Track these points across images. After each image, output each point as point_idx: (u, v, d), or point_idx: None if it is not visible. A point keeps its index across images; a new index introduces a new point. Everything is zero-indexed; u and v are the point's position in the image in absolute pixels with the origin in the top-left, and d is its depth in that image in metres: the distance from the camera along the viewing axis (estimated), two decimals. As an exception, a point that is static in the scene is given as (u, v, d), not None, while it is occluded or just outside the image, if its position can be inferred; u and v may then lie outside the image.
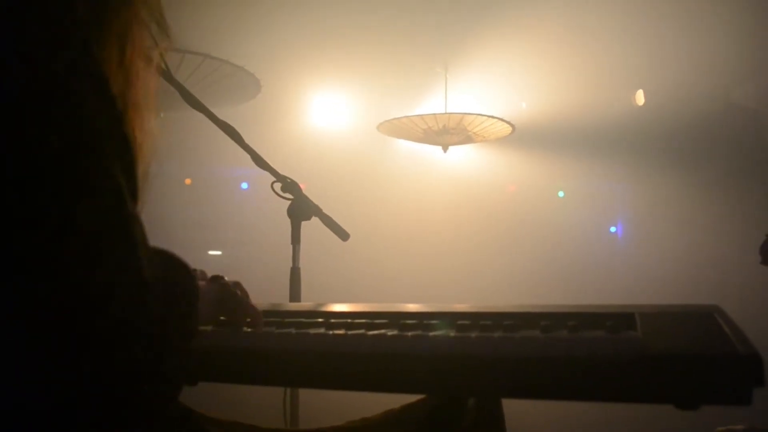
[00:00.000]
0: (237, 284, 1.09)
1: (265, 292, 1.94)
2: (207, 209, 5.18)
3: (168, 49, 0.87)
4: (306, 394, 1.88)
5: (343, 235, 1.95)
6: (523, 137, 4.64)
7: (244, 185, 5.41)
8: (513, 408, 1.14)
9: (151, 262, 0.68)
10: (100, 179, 0.64)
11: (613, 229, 5.62)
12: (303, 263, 1.98)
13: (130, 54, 0.76)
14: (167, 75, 1.71)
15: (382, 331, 0.97)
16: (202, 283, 1.02)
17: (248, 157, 1.84)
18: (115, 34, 0.74)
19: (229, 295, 1.04)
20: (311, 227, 1.98)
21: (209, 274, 1.10)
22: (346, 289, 4.30)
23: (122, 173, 0.67)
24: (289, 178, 1.89)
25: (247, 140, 1.84)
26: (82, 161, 0.62)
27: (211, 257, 5.29)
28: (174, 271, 0.81)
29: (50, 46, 0.64)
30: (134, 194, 0.71)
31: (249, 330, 1.05)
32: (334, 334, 0.96)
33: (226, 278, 1.07)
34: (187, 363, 0.76)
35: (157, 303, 0.67)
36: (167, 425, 1.05)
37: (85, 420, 0.62)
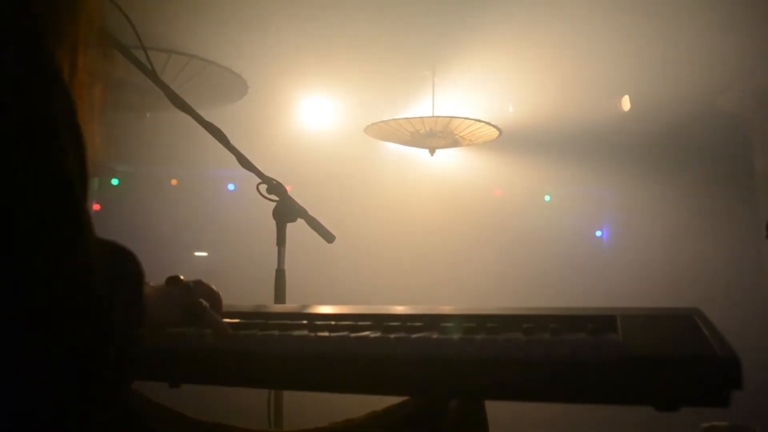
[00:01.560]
0: (198, 283, 1.06)
1: (250, 293, 1.94)
2: (193, 210, 5.16)
3: (111, 74, 0.88)
4: (290, 396, 1.87)
5: (329, 238, 1.95)
6: (509, 141, 4.66)
7: (231, 187, 5.40)
8: (497, 410, 1.14)
9: (96, 248, 0.68)
10: (52, 164, 0.64)
11: (598, 233, 5.66)
12: (289, 265, 1.97)
13: (80, 66, 0.77)
14: (153, 76, 1.71)
15: (366, 333, 0.97)
16: (158, 288, 1.01)
17: (235, 158, 1.84)
18: (66, 43, 0.75)
19: (191, 304, 1.02)
20: (297, 229, 1.98)
21: (196, 275, 1.09)
22: (331, 291, 4.30)
23: (74, 161, 0.68)
24: (275, 180, 1.89)
25: (234, 142, 1.83)
26: (34, 146, 0.63)
27: (197, 258, 5.28)
28: (120, 258, 0.81)
29: (1, 35, 0.64)
30: (84, 184, 0.71)
31: (226, 334, 1.04)
32: (317, 336, 0.96)
33: (182, 277, 1.05)
34: (134, 350, 0.75)
35: (101, 286, 0.67)
36: (147, 427, 1.04)
37: (30, 401, 0.62)
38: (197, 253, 5.31)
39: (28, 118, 0.64)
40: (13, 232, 0.61)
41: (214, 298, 1.07)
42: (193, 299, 1.02)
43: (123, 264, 0.81)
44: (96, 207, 5.02)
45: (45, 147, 0.64)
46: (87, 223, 0.68)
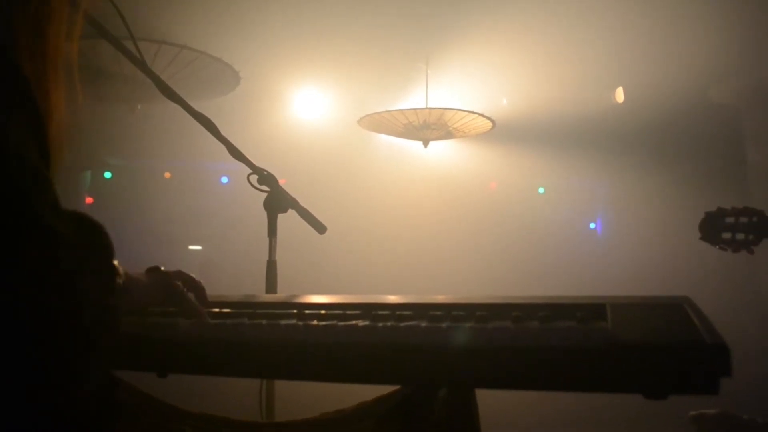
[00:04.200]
0: (179, 273, 1.10)
1: (242, 285, 1.94)
2: (187, 203, 5.14)
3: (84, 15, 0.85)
4: (282, 387, 1.87)
5: (321, 228, 1.94)
6: (503, 133, 4.65)
7: (224, 179, 5.38)
8: (489, 399, 1.14)
9: (63, 220, 0.68)
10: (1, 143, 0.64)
11: (592, 225, 5.66)
12: (280, 256, 1.96)
13: (42, 18, 0.76)
14: (143, 66, 1.69)
15: (355, 322, 0.96)
16: (137, 272, 1.03)
17: (226, 149, 1.83)
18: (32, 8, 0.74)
19: (168, 286, 1.05)
20: (289, 220, 1.97)
21: (189, 267, 1.12)
22: (323, 282, 4.29)
23: (32, 138, 0.67)
24: (266, 171, 1.88)
25: (226, 133, 1.82)
26: None
27: (190, 251, 5.26)
28: (88, 229, 0.80)
29: None
30: (44, 155, 0.71)
31: (218, 321, 1.04)
32: (305, 325, 0.96)
33: (163, 268, 1.08)
34: (110, 319, 0.75)
35: (68, 256, 0.67)
36: (135, 419, 1.04)
37: (7, 375, 0.62)
38: (191, 247, 5.29)
39: None
40: None
41: (195, 286, 1.11)
42: (169, 281, 1.06)
43: (91, 235, 0.79)
44: (89, 200, 5.00)
45: None
46: (49, 195, 0.68)
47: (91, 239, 0.78)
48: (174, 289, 1.06)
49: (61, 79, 0.79)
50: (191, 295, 1.09)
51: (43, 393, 0.64)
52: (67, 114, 0.80)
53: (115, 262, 0.86)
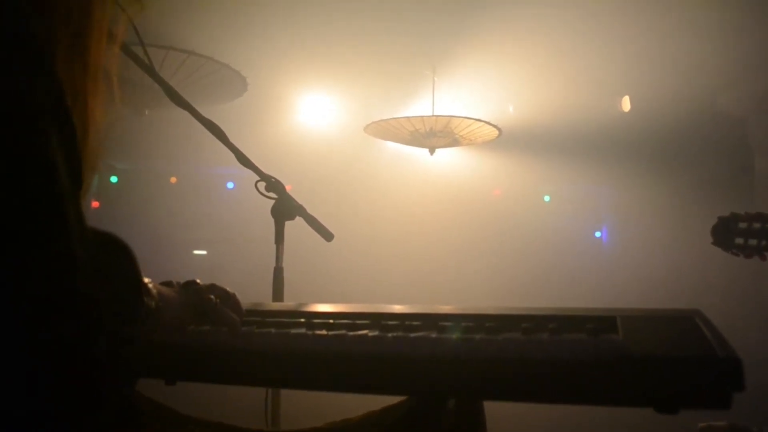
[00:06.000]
0: (213, 287, 1.09)
1: (249, 291, 1.93)
2: (192, 208, 5.15)
3: (133, 18, 0.84)
4: (288, 396, 1.87)
5: (328, 236, 1.94)
6: (509, 141, 4.65)
7: (230, 185, 5.39)
8: (498, 411, 1.14)
9: (86, 242, 0.66)
10: (31, 154, 0.62)
11: (598, 233, 5.65)
12: (287, 263, 1.96)
13: (84, 31, 0.74)
14: (151, 71, 1.70)
15: (364, 331, 0.96)
16: (171, 289, 1.02)
17: (234, 156, 1.83)
18: (65, 11, 0.72)
19: (202, 301, 1.04)
20: (296, 227, 1.97)
21: (195, 273, 1.11)
22: (330, 290, 4.29)
23: (60, 149, 0.65)
24: (273, 178, 1.88)
25: (233, 139, 1.82)
26: (11, 135, 0.61)
27: (196, 256, 5.26)
28: (114, 252, 0.78)
29: None
30: (75, 173, 0.69)
31: (237, 329, 1.04)
32: (314, 334, 0.96)
33: (199, 281, 1.07)
34: (127, 350, 0.73)
35: (87, 281, 0.65)
36: (144, 425, 1.04)
37: (12, 400, 0.60)
38: (196, 252, 5.29)
39: (6, 103, 0.61)
40: None
41: (228, 298, 1.09)
42: (203, 297, 1.04)
43: (117, 258, 0.77)
44: (95, 204, 5.01)
45: (23, 135, 0.62)
46: (74, 215, 0.65)
47: (116, 262, 0.76)
48: (207, 305, 1.04)
49: (101, 91, 0.77)
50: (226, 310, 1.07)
51: (56, 419, 0.63)
52: (105, 124, 0.79)
53: (147, 281, 0.84)
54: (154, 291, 0.88)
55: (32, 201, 0.61)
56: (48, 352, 0.61)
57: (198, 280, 1.08)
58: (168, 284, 1.07)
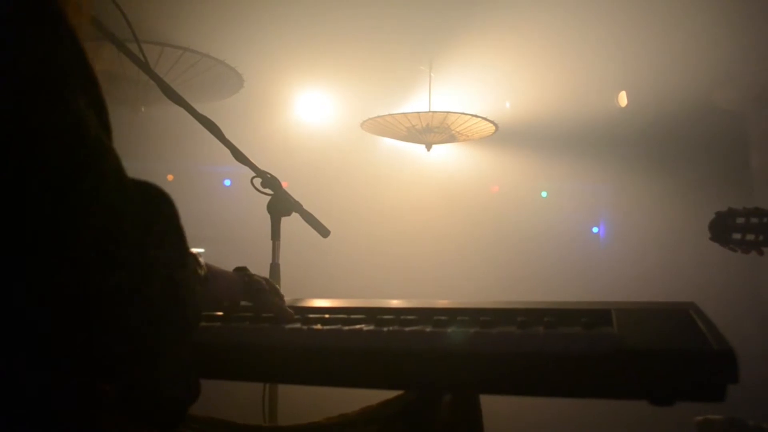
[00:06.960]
0: (261, 277, 1.15)
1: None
2: (189, 206, 5.13)
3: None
4: (285, 391, 1.87)
5: (324, 232, 1.94)
6: (506, 137, 4.64)
7: (227, 182, 5.38)
8: (494, 405, 1.13)
9: (127, 190, 0.68)
10: (62, 114, 0.63)
11: (595, 229, 5.65)
12: (284, 259, 1.96)
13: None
14: (147, 68, 1.69)
15: (359, 326, 0.96)
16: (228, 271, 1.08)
17: (230, 152, 1.82)
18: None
19: (252, 281, 1.10)
20: (292, 223, 1.97)
21: None
22: (326, 286, 4.29)
23: (90, 107, 0.66)
24: (269, 173, 1.87)
25: (229, 136, 1.82)
26: (41, 97, 0.62)
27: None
28: (154, 199, 0.77)
29: None
30: (106, 126, 0.70)
31: (222, 324, 1.03)
32: (309, 329, 0.96)
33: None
34: (183, 294, 0.72)
35: (134, 229, 0.66)
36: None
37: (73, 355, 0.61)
38: (194, 249, 5.28)
39: (34, 65, 0.62)
40: (32, 190, 0.59)
41: (275, 288, 1.15)
42: (254, 278, 1.11)
43: (157, 204, 0.77)
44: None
45: (54, 92, 0.63)
46: (113, 166, 0.67)
47: (157, 210, 0.75)
48: (259, 285, 1.10)
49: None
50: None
51: (114, 373, 0.64)
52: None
53: (199, 257, 0.84)
54: (202, 261, 0.89)
55: (68, 160, 0.62)
56: (100, 303, 0.62)
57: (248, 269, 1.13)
58: None
